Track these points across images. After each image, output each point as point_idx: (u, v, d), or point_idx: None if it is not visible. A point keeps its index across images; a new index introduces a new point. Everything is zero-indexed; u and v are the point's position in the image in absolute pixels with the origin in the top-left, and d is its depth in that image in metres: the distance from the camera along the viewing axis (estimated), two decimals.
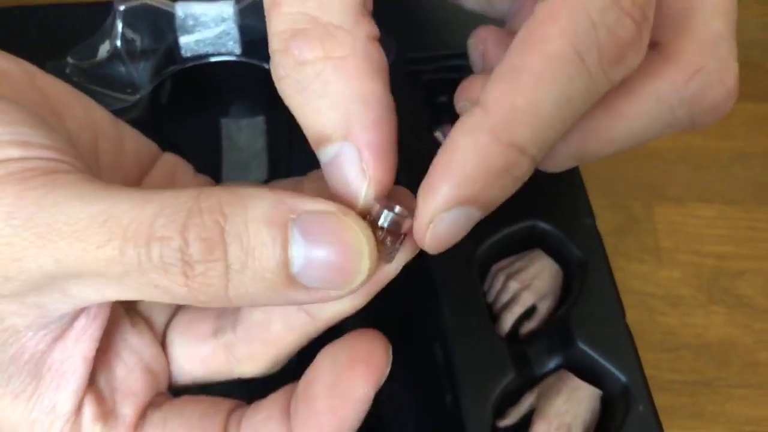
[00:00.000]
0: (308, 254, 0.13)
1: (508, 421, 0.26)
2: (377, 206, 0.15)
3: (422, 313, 0.28)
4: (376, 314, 0.19)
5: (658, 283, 0.42)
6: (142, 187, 0.20)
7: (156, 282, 0.13)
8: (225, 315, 0.17)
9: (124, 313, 0.18)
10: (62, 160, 0.15)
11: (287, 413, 0.16)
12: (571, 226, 0.28)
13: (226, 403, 0.17)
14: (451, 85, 0.34)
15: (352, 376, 0.15)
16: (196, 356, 0.18)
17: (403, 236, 0.15)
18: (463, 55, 0.34)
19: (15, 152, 0.14)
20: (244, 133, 0.38)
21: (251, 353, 0.17)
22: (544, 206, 0.29)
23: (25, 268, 0.13)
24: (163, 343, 0.18)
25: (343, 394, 0.15)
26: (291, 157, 0.37)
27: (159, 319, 0.18)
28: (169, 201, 0.13)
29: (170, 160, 0.21)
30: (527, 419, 0.26)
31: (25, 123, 0.15)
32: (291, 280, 0.13)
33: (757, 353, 0.40)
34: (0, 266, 0.14)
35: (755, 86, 0.49)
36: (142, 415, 0.16)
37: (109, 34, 0.31)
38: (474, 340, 0.26)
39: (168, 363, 0.18)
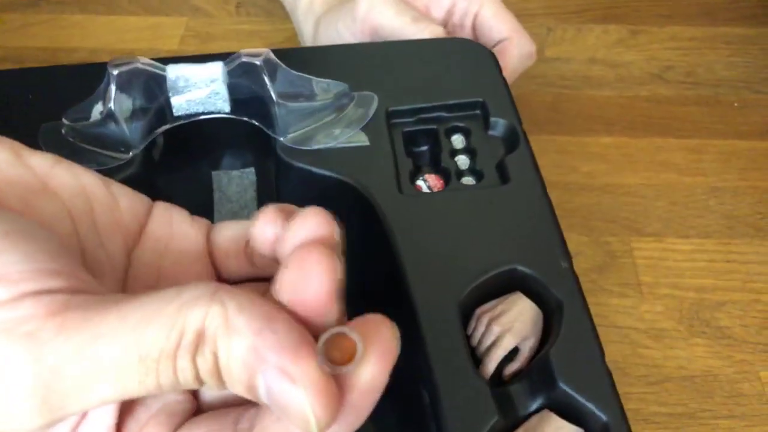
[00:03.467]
0: (270, 402, 0.15)
1: None
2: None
3: (408, 358, 0.28)
4: None
5: (641, 317, 0.43)
6: (144, 241, 0.21)
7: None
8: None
9: None
10: (52, 290, 0.16)
11: None
12: (548, 269, 0.30)
13: (231, 415, 0.17)
14: (430, 136, 0.36)
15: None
16: None
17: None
18: (440, 107, 0.36)
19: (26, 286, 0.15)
20: (234, 185, 0.39)
21: None
22: (523, 251, 0.30)
23: (70, 412, 0.15)
24: None
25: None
26: None
27: None
28: (180, 324, 0.15)
29: (164, 210, 0.22)
30: None
31: (14, 250, 0.16)
32: (265, 404, 0.16)
33: (739, 384, 0.41)
34: (42, 421, 0.15)
35: (725, 123, 0.51)
36: None
37: (103, 96, 0.33)
38: (459, 384, 0.27)
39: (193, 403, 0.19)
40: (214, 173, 0.39)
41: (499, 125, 0.35)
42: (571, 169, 0.49)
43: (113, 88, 0.32)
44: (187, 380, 0.15)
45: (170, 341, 0.15)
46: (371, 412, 0.16)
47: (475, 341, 0.29)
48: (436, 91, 0.36)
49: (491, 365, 0.28)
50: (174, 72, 0.33)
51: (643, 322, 0.43)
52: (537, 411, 0.27)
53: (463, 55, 0.38)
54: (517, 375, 0.29)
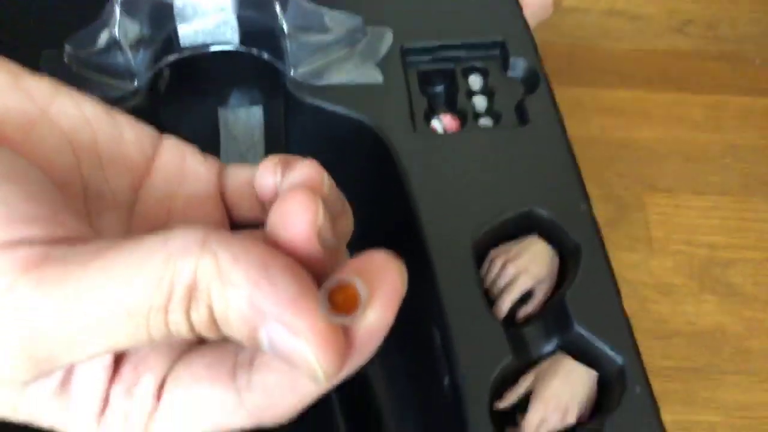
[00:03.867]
0: (274, 354, 0.15)
1: (505, 403, 0.26)
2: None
3: (421, 297, 0.28)
4: None
5: (650, 272, 0.42)
6: (153, 177, 0.20)
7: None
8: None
9: None
10: (29, 239, 0.15)
11: None
12: (566, 212, 0.29)
13: (231, 346, 0.17)
14: (446, 76, 0.35)
15: None
16: None
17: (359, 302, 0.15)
18: (457, 46, 0.34)
19: None
20: (240, 124, 0.38)
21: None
22: (541, 193, 0.29)
23: (58, 367, 0.15)
24: None
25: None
26: (287, 148, 0.37)
27: None
28: (168, 277, 0.14)
29: (174, 145, 0.20)
30: (525, 402, 0.26)
31: None
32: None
33: (747, 341, 0.41)
34: (29, 377, 0.15)
35: (747, 80, 0.50)
36: (163, 381, 0.17)
37: (108, 22, 0.31)
38: (472, 323, 0.26)
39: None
40: (220, 110, 0.38)
41: (519, 66, 0.33)
42: (584, 121, 0.48)
43: (118, 12, 0.30)
44: (181, 333, 0.15)
45: (159, 296, 0.14)
46: (378, 351, 0.15)
47: (488, 283, 0.28)
48: (454, 29, 0.35)
49: (504, 307, 0.27)
50: None
51: (653, 276, 0.42)
52: (551, 353, 0.27)
53: None
54: (530, 319, 0.28)
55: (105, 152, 0.19)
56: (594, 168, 0.46)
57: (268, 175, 0.18)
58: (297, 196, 0.15)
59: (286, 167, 0.18)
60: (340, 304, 0.15)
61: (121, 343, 0.14)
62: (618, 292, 0.27)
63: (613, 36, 0.52)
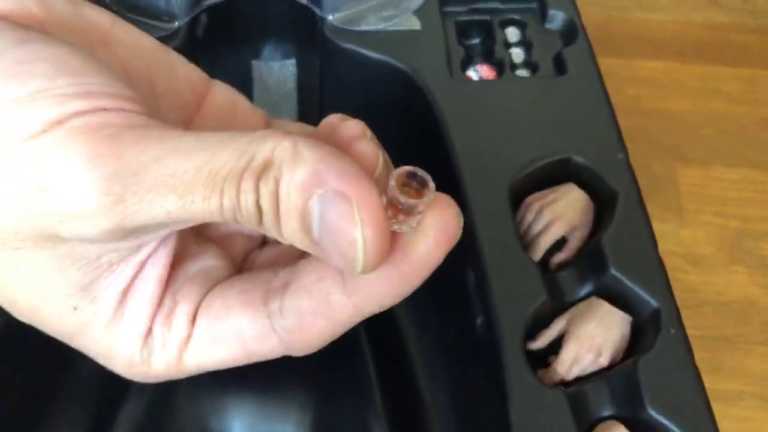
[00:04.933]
0: (320, 232, 0.15)
1: (538, 343, 0.26)
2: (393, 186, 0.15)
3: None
4: None
5: (681, 242, 0.42)
6: (205, 115, 0.20)
7: (241, 222, 0.16)
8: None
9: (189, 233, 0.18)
10: (132, 110, 0.16)
11: (341, 273, 0.16)
12: (603, 160, 0.28)
13: (264, 275, 0.17)
14: (483, 27, 0.34)
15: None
16: None
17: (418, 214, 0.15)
18: None
19: (82, 104, 0.15)
20: (274, 75, 0.38)
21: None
22: (578, 141, 0.29)
23: (138, 221, 0.15)
24: None
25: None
26: (321, 100, 0.37)
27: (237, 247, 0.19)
28: (251, 151, 0.15)
29: (226, 89, 0.21)
30: (556, 344, 0.26)
31: (86, 70, 0.16)
32: (315, 242, 0.15)
33: None
34: (113, 222, 0.15)
35: None
36: (197, 310, 0.17)
37: None
38: (507, 263, 0.26)
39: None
40: (254, 62, 0.38)
41: (558, 18, 0.33)
42: (616, 91, 0.47)
43: None
44: (248, 206, 0.15)
45: (239, 164, 0.15)
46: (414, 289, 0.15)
47: (523, 228, 0.28)
48: None
49: (540, 251, 0.27)
50: None
51: (683, 246, 0.42)
52: (585, 297, 0.26)
53: None
54: (564, 265, 0.28)
55: (158, 85, 0.19)
56: (626, 138, 0.45)
57: (333, 120, 0.18)
58: (361, 143, 0.16)
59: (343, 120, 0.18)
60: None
61: (195, 204, 0.15)
62: (654, 239, 0.27)
63: (649, 6, 0.51)
